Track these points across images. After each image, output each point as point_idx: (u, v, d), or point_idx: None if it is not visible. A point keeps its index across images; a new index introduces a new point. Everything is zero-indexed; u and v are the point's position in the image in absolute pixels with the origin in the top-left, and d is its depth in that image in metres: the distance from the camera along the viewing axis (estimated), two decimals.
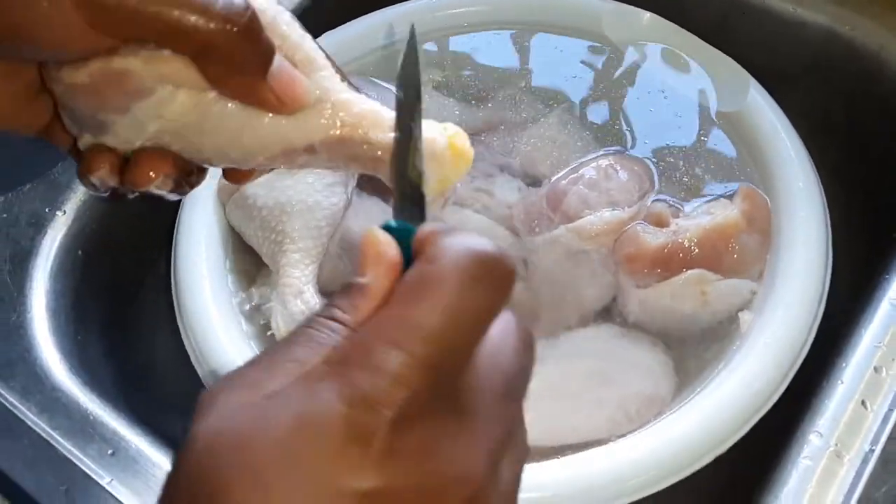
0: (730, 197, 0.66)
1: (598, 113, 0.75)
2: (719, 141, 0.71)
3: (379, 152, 0.40)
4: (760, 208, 0.65)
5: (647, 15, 0.75)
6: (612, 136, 0.73)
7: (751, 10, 0.77)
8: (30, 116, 0.42)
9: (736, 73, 0.72)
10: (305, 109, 0.40)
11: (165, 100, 0.39)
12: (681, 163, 0.71)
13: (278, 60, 0.39)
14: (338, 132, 0.40)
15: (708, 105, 0.72)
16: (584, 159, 0.70)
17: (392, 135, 0.40)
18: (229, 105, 0.39)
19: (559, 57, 0.78)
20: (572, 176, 0.69)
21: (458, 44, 0.79)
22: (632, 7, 0.76)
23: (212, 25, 0.36)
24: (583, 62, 0.77)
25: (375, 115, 0.40)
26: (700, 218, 0.65)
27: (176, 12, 0.36)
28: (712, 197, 0.67)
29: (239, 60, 0.38)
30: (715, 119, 0.72)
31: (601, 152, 0.71)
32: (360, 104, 0.41)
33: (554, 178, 0.69)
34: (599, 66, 0.77)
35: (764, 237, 0.64)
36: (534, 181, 0.72)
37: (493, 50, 0.79)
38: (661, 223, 0.66)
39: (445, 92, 0.77)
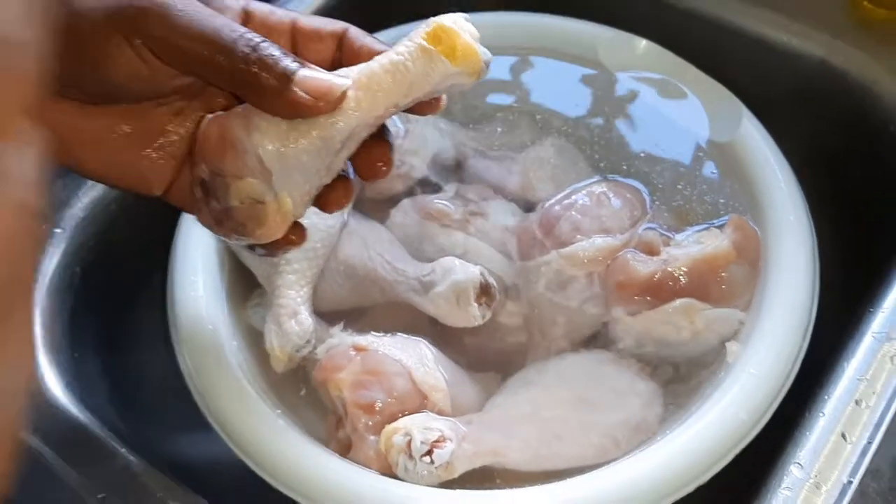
0: (720, 227, 0.67)
1: (593, 139, 0.76)
2: (711, 170, 0.72)
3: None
4: (750, 239, 0.66)
5: (643, 42, 0.76)
6: (605, 162, 0.74)
7: (745, 39, 0.78)
8: (152, 169, 0.50)
9: (729, 102, 0.73)
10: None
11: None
12: (673, 191, 0.72)
13: (303, 72, 0.46)
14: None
15: (701, 133, 0.73)
16: (577, 185, 0.71)
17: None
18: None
19: (556, 81, 0.79)
20: (565, 202, 0.70)
21: None
22: (627, 34, 0.77)
23: (220, 58, 0.45)
24: (579, 87, 0.78)
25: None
26: (690, 247, 0.65)
27: (196, 47, 0.45)
28: (703, 226, 0.68)
29: (255, 84, 0.45)
30: (707, 148, 0.73)
31: (594, 179, 0.72)
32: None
33: (547, 204, 0.70)
34: (596, 91, 0.78)
35: (753, 268, 0.65)
36: (529, 205, 0.73)
37: (490, 72, 0.80)
38: (651, 251, 0.66)
39: (440, 114, 0.78)
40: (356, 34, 0.51)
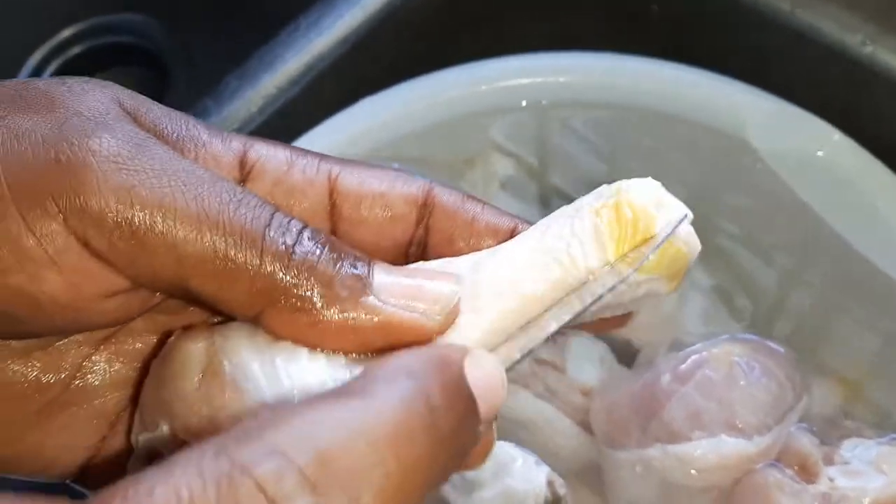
0: None
1: (728, 261, 0.54)
2: None
3: None
4: None
5: (823, 127, 0.52)
6: (740, 296, 0.53)
7: None
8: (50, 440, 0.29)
9: None
10: None
11: None
12: (841, 353, 0.51)
13: (380, 272, 0.26)
14: None
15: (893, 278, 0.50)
16: (698, 345, 0.49)
17: None
18: None
19: (684, 163, 0.56)
20: (681, 368, 0.48)
21: (544, 125, 0.57)
22: (798, 110, 0.53)
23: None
24: (711, 174, 0.55)
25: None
26: (866, 477, 0.45)
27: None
28: (885, 439, 0.47)
29: (303, 302, 0.26)
30: None
31: (725, 336, 0.50)
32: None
33: (654, 367, 0.49)
34: (733, 185, 0.55)
35: None
36: (626, 349, 0.53)
37: (592, 136, 0.57)
38: (806, 470, 0.47)
39: (517, 193, 0.57)
40: (451, 199, 0.29)
